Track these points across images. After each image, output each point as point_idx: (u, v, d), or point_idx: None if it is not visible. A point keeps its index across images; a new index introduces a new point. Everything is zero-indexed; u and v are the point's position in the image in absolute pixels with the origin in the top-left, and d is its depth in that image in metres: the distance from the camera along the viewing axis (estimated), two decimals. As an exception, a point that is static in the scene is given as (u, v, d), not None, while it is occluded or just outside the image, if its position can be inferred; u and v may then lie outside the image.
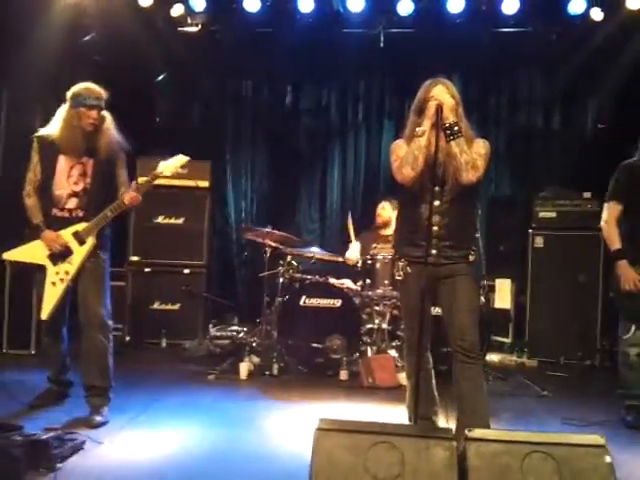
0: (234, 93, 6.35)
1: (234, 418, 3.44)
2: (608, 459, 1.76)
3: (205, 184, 5.52)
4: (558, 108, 6.09)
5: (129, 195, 3.17)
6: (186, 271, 5.40)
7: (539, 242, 5.34)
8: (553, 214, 5.34)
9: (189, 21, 5.58)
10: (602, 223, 3.53)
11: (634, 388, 3.45)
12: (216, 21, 5.66)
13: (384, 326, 4.57)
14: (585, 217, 5.16)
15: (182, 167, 3.33)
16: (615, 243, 3.42)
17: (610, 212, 3.48)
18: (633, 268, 3.33)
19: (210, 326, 5.18)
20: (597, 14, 5.20)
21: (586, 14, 5.23)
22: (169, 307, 5.37)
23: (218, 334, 5.03)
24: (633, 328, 3.39)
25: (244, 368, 4.31)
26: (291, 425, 3.28)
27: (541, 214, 5.37)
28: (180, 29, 5.58)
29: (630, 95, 5.35)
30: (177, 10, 5.42)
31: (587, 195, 5.24)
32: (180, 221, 5.48)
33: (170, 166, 3.25)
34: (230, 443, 3.02)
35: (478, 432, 1.84)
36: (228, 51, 5.85)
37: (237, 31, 5.70)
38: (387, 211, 5.07)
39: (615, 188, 3.50)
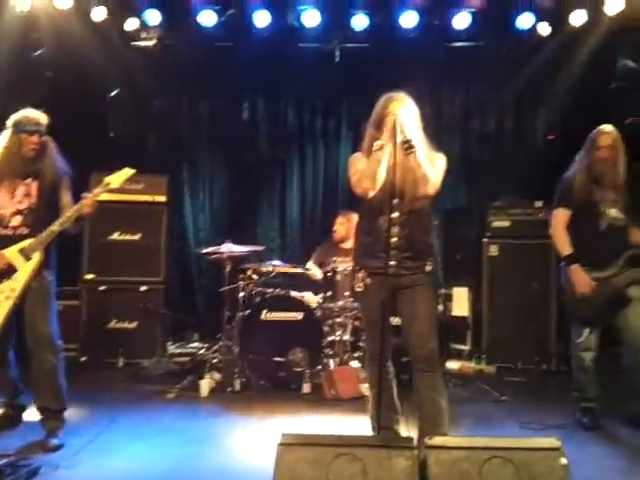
0: (190, 108, 6.30)
1: (195, 436, 3.38)
2: (564, 461, 1.80)
3: (162, 199, 5.44)
4: (509, 120, 6.27)
5: (86, 201, 3.13)
6: (143, 288, 5.29)
7: (494, 250, 5.47)
8: (507, 223, 5.47)
9: (143, 35, 5.53)
10: (551, 230, 3.62)
11: (589, 391, 3.54)
12: (171, 35, 5.62)
13: (346, 337, 4.59)
14: (537, 225, 5.29)
15: (129, 180, 3.30)
16: (566, 249, 3.50)
17: (558, 219, 3.57)
18: (599, 266, 3.40)
19: (169, 343, 5.10)
20: (544, 29, 5.40)
21: (533, 29, 5.43)
22: (126, 325, 5.25)
23: (177, 351, 4.95)
24: (586, 332, 3.47)
25: (205, 385, 4.24)
26: (254, 441, 3.25)
27: (495, 223, 5.51)
28: (134, 43, 5.52)
29: (576, 107, 5.56)
30: (131, 24, 5.36)
31: (539, 204, 5.39)
32: (136, 237, 5.38)
33: (116, 179, 3.23)
34: (192, 462, 2.97)
35: (438, 440, 1.86)
36: (184, 65, 5.82)
37: (192, 45, 5.68)
38: (343, 226, 5.11)
39: (562, 195, 3.60)
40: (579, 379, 3.57)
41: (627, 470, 2.87)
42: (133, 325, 5.26)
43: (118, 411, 3.78)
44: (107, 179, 3.22)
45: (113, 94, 5.83)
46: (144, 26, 5.42)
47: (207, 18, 5.36)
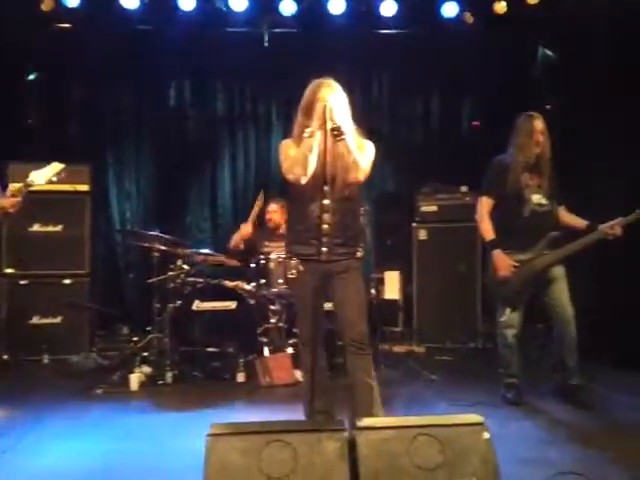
0: (113, 92, 6.06)
1: (125, 432, 3.29)
2: (486, 435, 1.88)
3: (84, 188, 5.21)
4: (436, 107, 6.41)
5: (9, 201, 2.96)
6: (67, 281, 5.08)
7: (423, 235, 5.62)
8: (434, 208, 5.64)
9: (62, 17, 5.27)
10: (476, 216, 3.76)
11: (512, 367, 3.70)
12: (92, 17, 5.38)
13: (280, 324, 4.59)
14: (463, 209, 5.47)
15: (57, 175, 3.16)
16: (489, 234, 3.65)
17: (483, 206, 3.70)
18: (507, 256, 3.57)
19: (97, 338, 4.93)
20: (468, 18, 5.55)
21: (458, 17, 5.57)
22: (50, 321, 5.03)
23: (106, 346, 4.80)
24: (508, 311, 3.63)
25: (135, 379, 4.13)
26: (186, 433, 3.19)
27: (423, 208, 5.66)
28: (53, 25, 5.25)
29: (501, 94, 5.75)
30: (48, 4, 5.09)
31: (464, 189, 5.58)
32: (58, 228, 5.14)
33: (43, 175, 3.09)
34: (122, 458, 2.89)
35: (366, 421, 1.90)
36: (105, 49, 5.58)
37: (115, 28, 5.47)
38: (278, 214, 5.08)
39: (486, 183, 3.73)
40: (503, 355, 3.72)
41: (547, 440, 3.03)
42: (58, 320, 5.05)
43: (45, 410, 3.62)
44: (31, 177, 3.07)
45: (30, 78, 5.54)
46: (62, 7, 5.16)
47: (129, 1, 5.16)
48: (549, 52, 5.57)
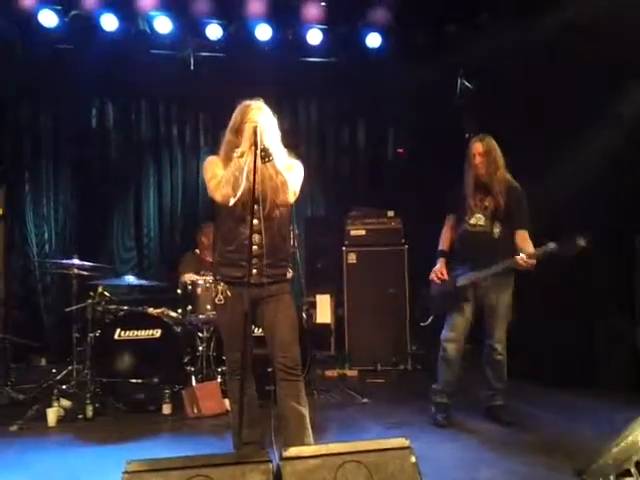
0: (32, 112, 5.81)
1: (42, 471, 3.08)
2: (413, 459, 1.88)
3: (-2, 211, 4.95)
4: (362, 134, 6.55)
5: None
6: (-21, 312, 4.77)
7: (352, 258, 5.66)
8: (362, 232, 5.70)
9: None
10: None
11: (447, 384, 3.68)
12: (8, 34, 5.15)
13: (209, 353, 4.46)
14: (390, 234, 5.61)
15: None
16: (440, 245, 3.87)
17: (446, 223, 3.91)
18: (461, 266, 3.68)
19: (11, 371, 4.61)
20: (390, 48, 5.71)
21: (382, 48, 5.73)
22: (-41, 353, 4.68)
23: (21, 379, 4.49)
24: (449, 323, 3.68)
25: (52, 414, 3.87)
26: (106, 471, 3.01)
27: (352, 232, 5.71)
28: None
29: (424, 123, 5.95)
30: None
31: (391, 214, 5.70)
32: (-31, 254, 4.84)
33: None
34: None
35: (293, 450, 1.85)
36: (23, 67, 5.36)
37: (33, 46, 5.26)
38: (207, 239, 4.98)
39: (447, 202, 3.91)
40: (439, 369, 3.73)
41: (474, 460, 3.07)
42: (-32, 353, 4.71)
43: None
44: None
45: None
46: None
47: (48, 18, 5.00)
48: (467, 83, 5.81)
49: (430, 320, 3.82)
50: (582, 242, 3.24)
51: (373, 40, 5.69)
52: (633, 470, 2.03)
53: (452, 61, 5.59)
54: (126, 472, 1.69)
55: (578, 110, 4.38)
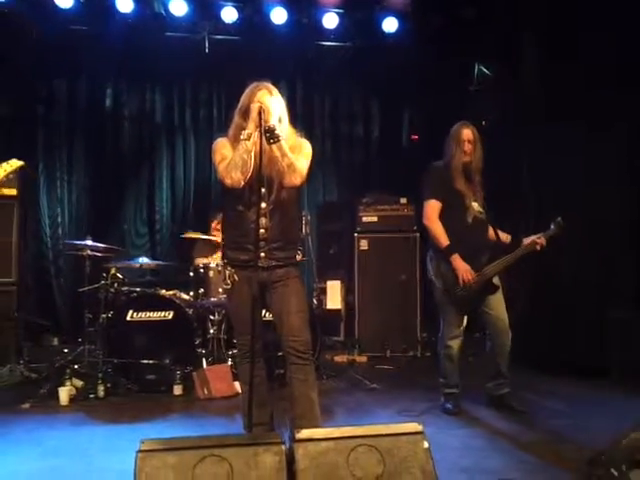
0: (46, 94, 5.81)
1: (53, 448, 3.12)
2: (425, 444, 1.88)
3: (12, 192, 4.94)
4: (377, 120, 6.50)
5: None
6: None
7: (364, 245, 5.64)
8: (374, 218, 5.67)
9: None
10: (425, 221, 3.61)
11: (453, 378, 3.70)
12: (23, 15, 5.15)
13: (220, 335, 4.49)
14: (403, 220, 5.58)
15: (14, 172, 3.02)
16: (444, 239, 3.51)
17: (432, 209, 3.57)
18: (467, 256, 3.52)
19: (24, 350, 4.66)
20: (408, 33, 5.66)
21: (398, 32, 5.67)
22: (-26, 331, 4.73)
23: (34, 358, 4.54)
24: (458, 320, 3.60)
25: (64, 393, 3.92)
26: (118, 449, 3.05)
27: (364, 218, 5.69)
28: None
29: (438, 109, 5.89)
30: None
31: (403, 200, 5.67)
32: (-16, 235, 4.86)
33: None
34: (49, 476, 2.73)
35: (305, 432, 1.86)
36: (39, 48, 5.37)
37: (48, 27, 5.26)
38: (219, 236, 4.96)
39: (430, 188, 3.63)
40: (445, 366, 3.71)
41: (485, 448, 3.07)
42: (-18, 331, 4.75)
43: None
44: None
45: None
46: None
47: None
48: (484, 69, 5.75)
49: (458, 323, 3.63)
50: (560, 220, 3.55)
51: (390, 25, 5.63)
52: (645, 461, 2.02)
53: (469, 47, 5.53)
54: (140, 450, 1.70)
55: (597, 100, 4.32)
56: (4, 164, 2.99)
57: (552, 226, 3.59)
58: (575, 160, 4.42)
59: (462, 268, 3.48)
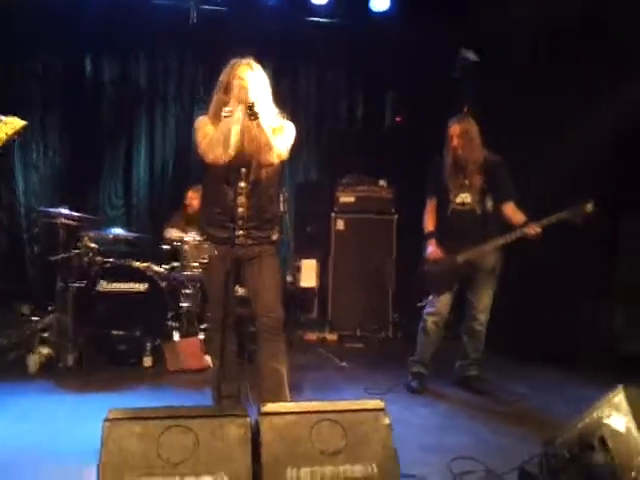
0: (23, 60, 5.64)
1: (21, 414, 3.13)
2: (387, 421, 1.93)
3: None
4: (360, 101, 6.47)
5: None
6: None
7: (340, 225, 5.66)
8: (352, 199, 5.69)
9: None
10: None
11: (423, 354, 3.81)
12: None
13: (192, 309, 4.50)
14: (381, 202, 5.61)
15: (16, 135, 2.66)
16: (427, 227, 3.84)
17: (427, 204, 3.89)
18: (448, 245, 3.71)
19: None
20: (398, 13, 5.62)
21: (389, 12, 5.63)
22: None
23: (3, 324, 4.49)
24: (430, 297, 3.77)
25: (33, 361, 3.92)
26: (85, 418, 3.05)
27: (342, 199, 5.69)
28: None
29: (423, 92, 5.88)
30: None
31: (382, 183, 5.69)
32: (-46, 200, 4.77)
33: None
34: (16, 441, 2.74)
35: (271, 406, 1.90)
36: (17, 11, 5.21)
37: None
38: (196, 201, 4.94)
39: (428, 184, 3.89)
40: (419, 340, 3.84)
41: (446, 427, 3.16)
42: (-50, 296, 4.69)
43: None
44: None
45: None
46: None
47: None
48: (470, 54, 5.74)
49: (428, 300, 3.80)
50: (590, 206, 3.37)
51: (380, 3, 5.59)
52: (597, 445, 2.09)
53: (457, 29, 5.51)
54: (107, 419, 1.72)
55: (584, 85, 4.36)
56: (4, 125, 2.59)
57: (572, 208, 3.40)
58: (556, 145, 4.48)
59: (430, 249, 3.78)
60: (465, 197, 3.71)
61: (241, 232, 2.74)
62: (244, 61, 2.79)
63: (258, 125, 2.66)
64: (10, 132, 2.62)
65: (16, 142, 5.64)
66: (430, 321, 3.76)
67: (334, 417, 1.86)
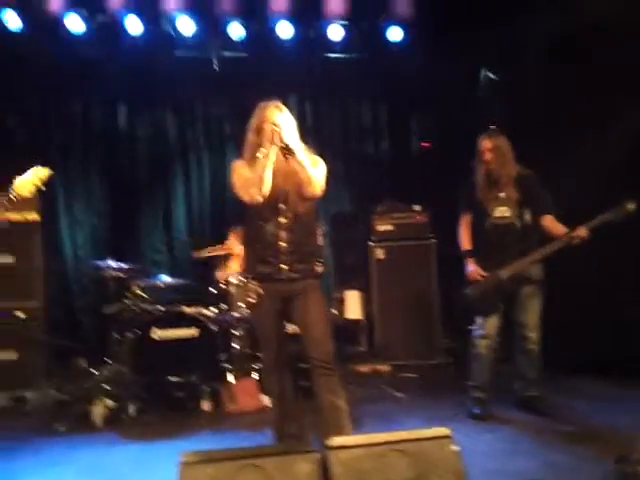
0: (60, 120, 5.93)
1: (89, 467, 3.20)
2: (454, 448, 1.92)
3: (34, 217, 5.02)
4: (387, 129, 6.54)
5: None
6: (19, 314, 4.88)
7: (380, 254, 5.65)
8: (389, 226, 5.70)
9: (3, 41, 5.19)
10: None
11: (480, 379, 3.74)
12: (36, 42, 5.30)
13: (244, 350, 4.55)
14: (417, 228, 5.61)
15: (42, 181, 2.90)
16: (464, 246, 3.86)
17: (461, 221, 3.91)
18: (487, 262, 3.69)
19: (53, 372, 4.74)
20: (413, 42, 5.72)
21: (404, 41, 5.74)
22: (2, 357, 4.82)
23: (63, 380, 4.62)
24: (480, 320, 3.72)
25: (97, 413, 4.00)
26: (152, 466, 3.13)
27: (379, 227, 5.70)
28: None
29: (451, 115, 5.92)
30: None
31: (417, 208, 5.69)
32: (9, 260, 4.96)
33: (27, 184, 2.83)
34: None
35: (337, 440, 1.91)
36: (52, 72, 5.51)
37: (60, 51, 5.40)
38: (237, 246, 5.01)
39: (462, 200, 3.93)
40: (471, 367, 3.78)
41: (511, 451, 3.09)
42: (11, 355, 4.84)
43: (6, 448, 3.47)
44: (16, 186, 2.80)
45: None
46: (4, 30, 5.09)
47: (75, 24, 5.19)
48: (491, 74, 5.78)
49: (476, 324, 3.74)
50: (631, 206, 3.35)
51: (395, 34, 5.71)
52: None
53: (476, 52, 5.56)
54: (182, 463, 1.76)
55: (605, 100, 4.34)
56: (32, 176, 2.87)
57: (614, 209, 3.39)
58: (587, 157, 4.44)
59: (470, 269, 3.74)
60: (504, 210, 3.70)
61: (284, 266, 2.80)
62: (272, 104, 2.92)
63: (297, 162, 2.76)
64: (39, 182, 2.88)
65: (60, 199, 5.87)
66: (481, 345, 3.70)
67: (401, 447, 1.87)
